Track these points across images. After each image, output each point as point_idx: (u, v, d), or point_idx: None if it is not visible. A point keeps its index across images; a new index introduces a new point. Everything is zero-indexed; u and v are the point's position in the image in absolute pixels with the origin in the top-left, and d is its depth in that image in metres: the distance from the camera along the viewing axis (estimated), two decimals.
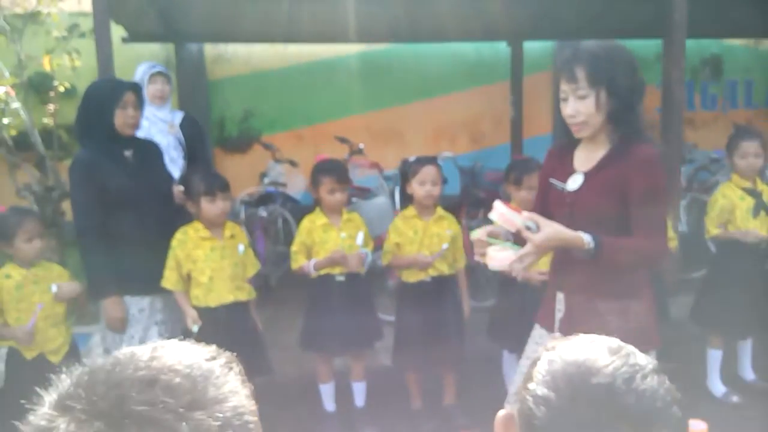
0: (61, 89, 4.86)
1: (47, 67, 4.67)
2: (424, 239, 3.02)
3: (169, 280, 2.73)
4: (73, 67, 4.77)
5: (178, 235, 2.75)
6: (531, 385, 0.75)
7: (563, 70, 1.86)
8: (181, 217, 2.88)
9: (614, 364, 0.73)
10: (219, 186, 2.79)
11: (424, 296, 3.00)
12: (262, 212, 4.88)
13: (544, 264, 2.88)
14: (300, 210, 5.15)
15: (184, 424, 0.56)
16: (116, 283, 2.63)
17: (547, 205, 2.04)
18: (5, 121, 4.59)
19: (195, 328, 2.67)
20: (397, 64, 6.45)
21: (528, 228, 1.77)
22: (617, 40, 2.12)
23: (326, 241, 2.96)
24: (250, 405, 0.64)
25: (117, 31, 4.63)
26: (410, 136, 6.54)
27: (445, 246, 2.99)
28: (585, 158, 1.97)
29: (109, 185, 2.62)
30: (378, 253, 3.38)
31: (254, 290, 2.95)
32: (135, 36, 5.10)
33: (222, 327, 2.74)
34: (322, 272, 2.96)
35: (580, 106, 1.85)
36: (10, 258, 2.64)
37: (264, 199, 4.98)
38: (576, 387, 0.72)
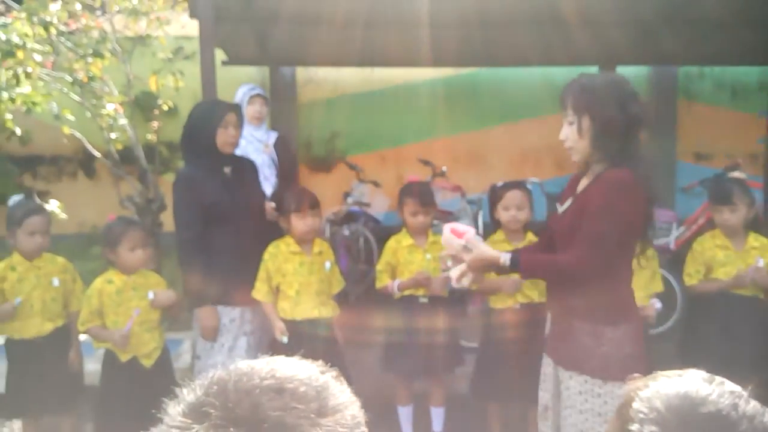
0: (165, 108, 5.18)
1: (153, 87, 4.99)
2: None
3: (260, 291, 2.81)
4: (176, 88, 5.08)
5: (270, 249, 2.83)
6: (634, 427, 0.73)
7: (560, 97, 2.00)
8: (273, 232, 2.97)
9: (716, 391, 0.73)
10: (309, 203, 2.85)
11: (511, 324, 2.92)
12: (345, 231, 4.96)
13: (641, 298, 2.74)
14: (382, 230, 5.19)
15: (318, 429, 0.59)
16: (211, 293, 2.74)
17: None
18: (113, 135, 4.95)
19: (284, 339, 2.73)
20: (483, 88, 6.43)
21: (465, 249, 2.02)
22: (716, 66, 2.09)
23: (411, 262, 2.96)
24: (362, 416, 0.67)
25: (218, 55, 4.91)
26: (494, 160, 6.47)
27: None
28: (582, 184, 2.08)
29: (208, 200, 2.75)
30: None
31: (337, 307, 2.98)
32: (234, 59, 5.37)
33: (306, 341, 2.79)
34: (406, 293, 2.95)
35: (568, 132, 1.98)
36: (113, 264, 2.80)
37: (347, 218, 5.07)
38: (686, 419, 0.71)
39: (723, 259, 3.02)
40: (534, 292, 2.95)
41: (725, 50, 5.03)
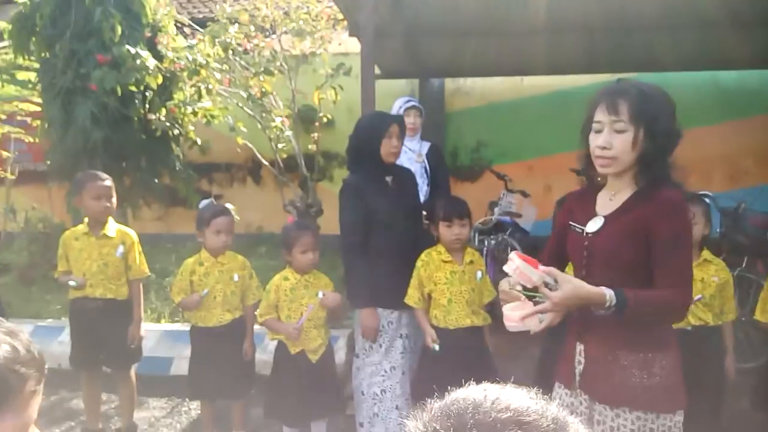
0: (324, 120, 5.55)
1: (316, 101, 5.36)
2: None
3: (412, 297, 2.90)
4: (334, 102, 5.42)
5: (423, 257, 2.92)
6: None
7: (604, 100, 1.78)
8: (429, 239, 3.06)
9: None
10: (456, 213, 2.89)
11: (680, 346, 2.72)
12: (492, 240, 4.94)
13: None
14: (529, 241, 5.10)
15: None
16: (372, 296, 2.88)
17: (563, 248, 1.96)
18: (280, 146, 5.39)
19: (435, 347, 2.80)
20: None
21: (546, 284, 1.67)
22: None
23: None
24: None
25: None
26: None
27: (700, 297, 2.70)
28: (607, 202, 1.88)
29: (371, 207, 2.89)
30: None
31: (489, 317, 2.99)
32: (387, 73, 5.61)
33: (457, 349, 2.83)
34: None
35: (615, 140, 1.76)
36: (289, 263, 3.06)
37: (495, 228, 5.05)
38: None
39: None
40: (708, 314, 2.74)
41: None
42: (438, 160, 4.10)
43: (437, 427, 0.62)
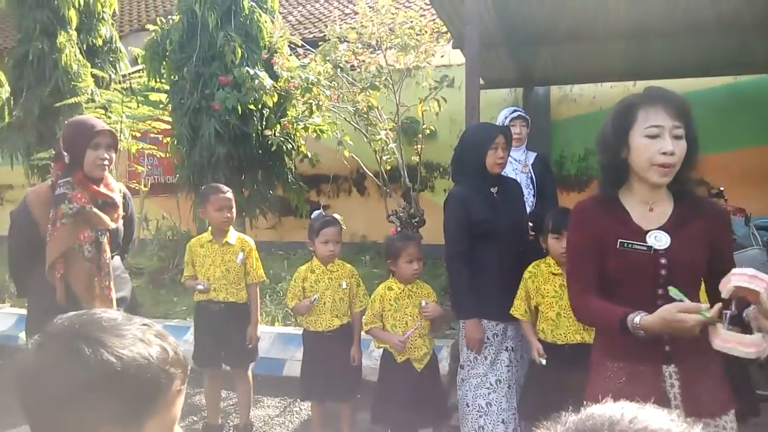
0: (427, 132, 5.63)
1: (419, 114, 5.46)
2: None
3: (518, 309, 2.87)
4: (437, 113, 5.49)
5: (531, 268, 2.88)
6: None
7: (662, 104, 1.70)
8: (535, 251, 3.02)
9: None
10: (565, 224, 2.82)
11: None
12: None
13: None
14: None
15: None
16: (477, 307, 2.88)
17: (617, 268, 1.78)
18: (384, 157, 5.54)
19: (543, 362, 2.75)
20: None
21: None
22: None
23: None
24: None
25: None
26: None
27: None
28: (648, 213, 1.78)
29: (476, 217, 2.88)
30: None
31: None
32: (490, 83, 5.60)
33: (566, 366, 2.75)
34: None
35: (676, 147, 1.68)
36: (393, 273, 3.14)
37: None
38: None
39: None
40: None
41: None
42: (544, 170, 4.03)
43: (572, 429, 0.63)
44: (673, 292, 1.67)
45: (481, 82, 5.64)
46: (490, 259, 2.88)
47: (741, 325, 1.61)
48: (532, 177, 3.94)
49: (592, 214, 1.86)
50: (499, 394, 2.87)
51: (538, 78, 5.80)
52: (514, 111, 4.03)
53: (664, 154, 1.68)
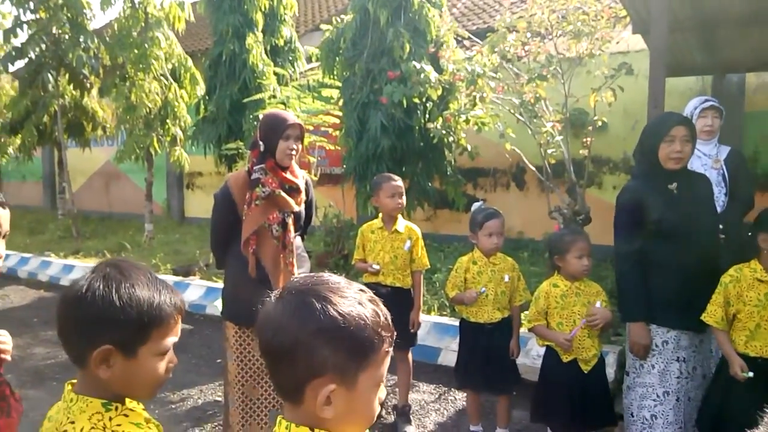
0: (598, 124, 5.32)
1: (591, 104, 5.18)
2: None
3: (713, 316, 2.59)
4: (610, 104, 5.16)
5: (732, 272, 2.59)
6: None
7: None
8: (723, 253, 2.72)
9: None
10: None
11: None
12: None
13: None
14: None
15: None
16: (645, 310, 2.68)
17: None
18: (549, 151, 5.35)
19: (749, 374, 2.46)
20: None
21: None
22: None
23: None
24: None
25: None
26: None
27: None
28: None
29: (651, 216, 2.67)
30: None
31: None
32: (674, 71, 5.13)
33: (761, 382, 2.46)
34: None
35: None
36: (558, 270, 3.03)
37: None
38: None
39: None
40: None
41: None
42: (739, 166, 3.60)
43: None
44: None
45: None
46: (665, 260, 2.65)
47: None
48: (724, 174, 3.54)
49: None
50: (666, 407, 2.66)
51: (732, 64, 5.19)
52: (706, 101, 3.65)
53: None
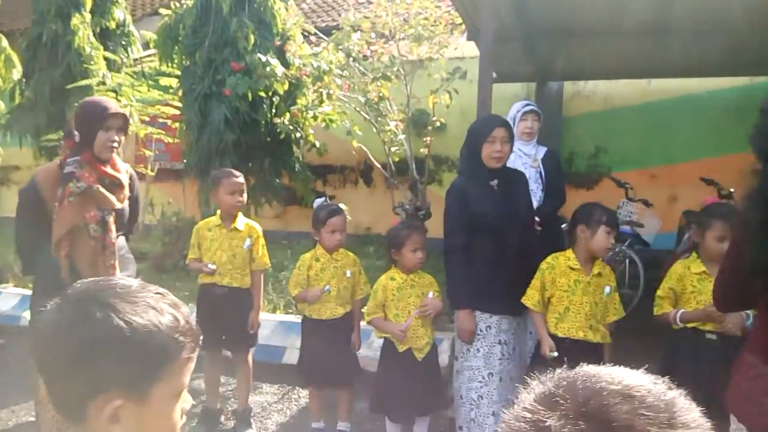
0: (436, 125, 5.59)
1: (429, 106, 5.42)
2: None
3: (531, 299, 2.83)
4: (448, 106, 5.45)
5: (549, 260, 2.84)
6: None
7: None
8: (538, 244, 2.99)
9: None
10: (616, 221, 2.79)
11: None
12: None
13: None
14: (649, 254, 4.80)
15: None
16: (471, 298, 2.86)
17: None
18: (393, 149, 5.51)
19: (554, 354, 2.71)
20: None
21: None
22: None
23: (701, 292, 2.67)
24: None
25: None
26: None
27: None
28: None
29: (475, 210, 2.87)
30: None
31: (609, 336, 2.84)
32: (504, 77, 5.54)
33: (566, 361, 2.73)
34: (689, 326, 2.69)
35: None
36: (395, 263, 3.12)
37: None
38: None
39: None
40: None
41: None
42: (554, 165, 3.99)
43: (549, 386, 0.66)
44: None
45: (494, 75, 5.59)
46: (487, 251, 2.85)
47: None
48: (541, 172, 3.90)
49: None
50: (490, 387, 2.86)
51: (551, 73, 5.75)
52: (527, 105, 3.99)
53: None
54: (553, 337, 2.78)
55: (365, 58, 5.51)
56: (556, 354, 2.70)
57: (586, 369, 0.68)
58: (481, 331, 2.89)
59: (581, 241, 2.77)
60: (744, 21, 4.17)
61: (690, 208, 4.64)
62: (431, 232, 4.70)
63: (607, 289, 2.78)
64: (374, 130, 5.50)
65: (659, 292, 2.81)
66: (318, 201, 3.48)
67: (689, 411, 0.64)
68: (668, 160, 5.91)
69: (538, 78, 5.92)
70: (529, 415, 0.65)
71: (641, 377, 0.67)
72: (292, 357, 4.35)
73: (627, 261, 4.80)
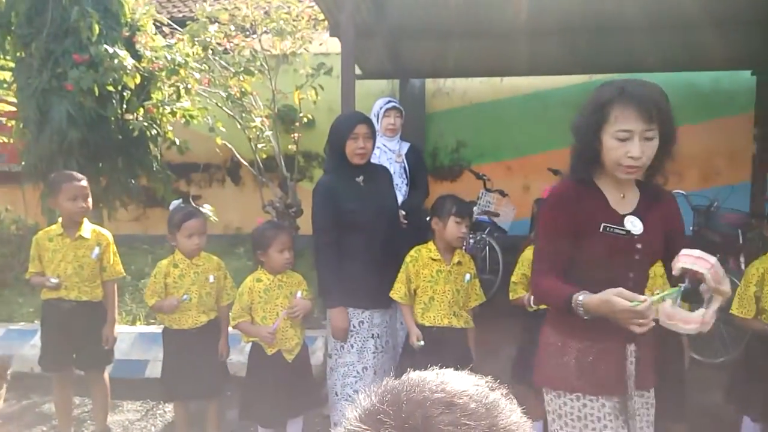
0: (304, 120, 5.53)
1: (295, 101, 5.34)
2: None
3: (398, 292, 2.89)
4: (314, 101, 5.40)
5: (413, 253, 2.91)
6: None
7: (634, 106, 1.68)
8: (406, 238, 3.06)
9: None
10: (468, 211, 2.90)
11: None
12: (470, 240, 4.97)
13: None
14: (507, 240, 5.14)
15: None
16: (343, 296, 2.87)
17: (596, 251, 1.80)
18: (260, 146, 5.36)
19: (420, 344, 2.79)
20: None
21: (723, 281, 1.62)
22: None
23: None
24: None
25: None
26: None
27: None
28: (621, 200, 1.85)
29: (343, 207, 2.87)
30: None
31: (472, 320, 2.98)
32: (368, 74, 5.61)
33: (434, 348, 2.83)
34: (542, 308, 2.90)
35: (646, 148, 1.72)
36: (262, 264, 3.03)
37: (473, 227, 5.07)
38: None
39: None
40: None
41: None
42: (417, 160, 4.11)
43: (374, 401, 0.64)
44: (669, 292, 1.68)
45: (359, 71, 5.64)
46: (356, 247, 2.87)
47: (698, 299, 1.69)
48: (405, 167, 4.01)
49: (573, 197, 1.84)
50: (365, 381, 2.88)
51: (413, 70, 5.92)
52: (389, 102, 4.07)
53: (631, 157, 1.70)
54: (421, 326, 2.86)
55: (226, 51, 5.30)
56: (422, 343, 2.79)
57: (412, 377, 0.68)
58: (354, 327, 2.91)
59: (437, 232, 2.89)
60: (580, 24, 4.58)
61: (540, 196, 5.03)
62: (304, 229, 4.65)
63: (467, 277, 2.91)
64: (239, 126, 5.31)
65: (513, 278, 3.00)
66: (174, 204, 3.28)
67: (510, 413, 0.65)
68: (521, 153, 6.36)
69: (401, 75, 6.07)
70: None
71: (465, 381, 0.67)
72: (155, 370, 4.07)
73: (487, 248, 5.09)
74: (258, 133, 5.27)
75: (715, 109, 5.99)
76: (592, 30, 4.75)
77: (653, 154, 1.73)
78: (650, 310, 1.62)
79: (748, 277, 2.81)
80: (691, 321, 1.64)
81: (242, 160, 5.66)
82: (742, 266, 4.03)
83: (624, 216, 1.82)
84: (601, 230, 1.79)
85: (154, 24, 5.73)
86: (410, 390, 0.64)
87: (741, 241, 4.30)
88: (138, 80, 5.23)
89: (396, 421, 0.60)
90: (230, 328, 3.18)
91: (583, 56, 5.16)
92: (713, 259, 1.60)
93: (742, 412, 2.88)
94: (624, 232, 1.81)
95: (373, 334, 2.94)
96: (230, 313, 3.06)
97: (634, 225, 1.82)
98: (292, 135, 5.65)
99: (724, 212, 4.39)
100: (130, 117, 5.18)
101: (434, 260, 2.88)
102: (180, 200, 3.30)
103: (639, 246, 1.81)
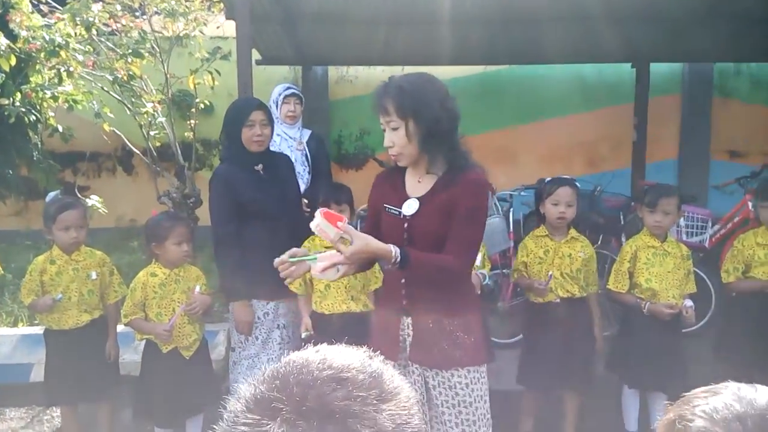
0: (201, 106, 5.30)
1: (191, 86, 5.11)
2: (555, 259, 3.00)
3: (293, 283, 2.85)
4: (212, 87, 5.19)
5: (306, 242, 2.89)
6: None
7: (374, 103, 1.97)
8: (308, 227, 3.03)
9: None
10: (334, 198, 2.92)
11: (552, 317, 2.96)
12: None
13: (675, 297, 2.75)
14: None
15: (384, 414, 0.61)
16: (246, 288, 2.80)
17: (380, 228, 2.10)
18: (152, 133, 5.08)
19: (304, 335, 2.79)
20: (514, 86, 6.42)
21: (342, 239, 1.85)
22: (752, 63, 2.06)
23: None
24: (415, 396, 0.68)
25: (253, 54, 5.00)
26: (524, 157, 6.46)
27: (551, 274, 2.94)
28: (416, 184, 2.06)
29: (242, 197, 2.80)
30: (494, 274, 3.36)
31: (370, 303, 3.02)
32: (268, 59, 5.48)
33: (335, 335, 2.83)
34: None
35: (394, 137, 1.95)
36: (157, 258, 2.90)
37: None
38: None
39: (763, 258, 3.00)
40: (575, 287, 2.99)
41: (761, 47, 4.94)
42: (319, 147, 4.08)
43: (262, 389, 0.63)
44: None
45: (259, 57, 5.48)
46: (258, 238, 2.81)
47: None
48: (306, 154, 3.96)
49: (380, 181, 2.18)
50: None
51: (314, 57, 5.84)
52: (288, 88, 4.00)
53: (386, 147, 1.99)
54: (320, 314, 2.86)
55: (113, 33, 4.96)
56: (310, 332, 2.79)
57: (293, 358, 0.67)
58: (259, 318, 2.86)
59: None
60: (470, 15, 4.72)
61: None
62: (204, 220, 4.47)
63: None
64: (129, 112, 5.00)
65: None
66: (51, 195, 3.06)
67: (392, 376, 0.67)
68: None
69: (302, 62, 5.97)
70: (247, 429, 0.60)
71: (346, 355, 0.67)
72: (41, 374, 3.79)
73: None
74: (150, 119, 4.99)
75: (600, 100, 6.41)
76: (486, 22, 4.91)
77: (405, 142, 1.93)
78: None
79: (623, 254, 3.06)
80: (314, 269, 1.91)
81: (134, 149, 5.35)
82: None
83: (409, 199, 2.03)
84: (384, 210, 2.09)
85: (30, 2, 5.25)
86: (297, 372, 0.63)
87: (622, 223, 4.66)
88: (13, 62, 4.78)
89: (291, 405, 0.59)
90: (122, 326, 3.02)
91: (472, 47, 5.33)
92: (319, 219, 1.87)
93: (622, 380, 3.13)
94: (396, 213, 2.03)
95: (278, 325, 2.91)
96: (121, 311, 2.90)
97: (410, 207, 2.02)
98: (189, 122, 5.40)
99: (606, 196, 4.73)
100: (6, 102, 4.73)
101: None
102: (58, 191, 3.07)
103: (405, 226, 2.02)
